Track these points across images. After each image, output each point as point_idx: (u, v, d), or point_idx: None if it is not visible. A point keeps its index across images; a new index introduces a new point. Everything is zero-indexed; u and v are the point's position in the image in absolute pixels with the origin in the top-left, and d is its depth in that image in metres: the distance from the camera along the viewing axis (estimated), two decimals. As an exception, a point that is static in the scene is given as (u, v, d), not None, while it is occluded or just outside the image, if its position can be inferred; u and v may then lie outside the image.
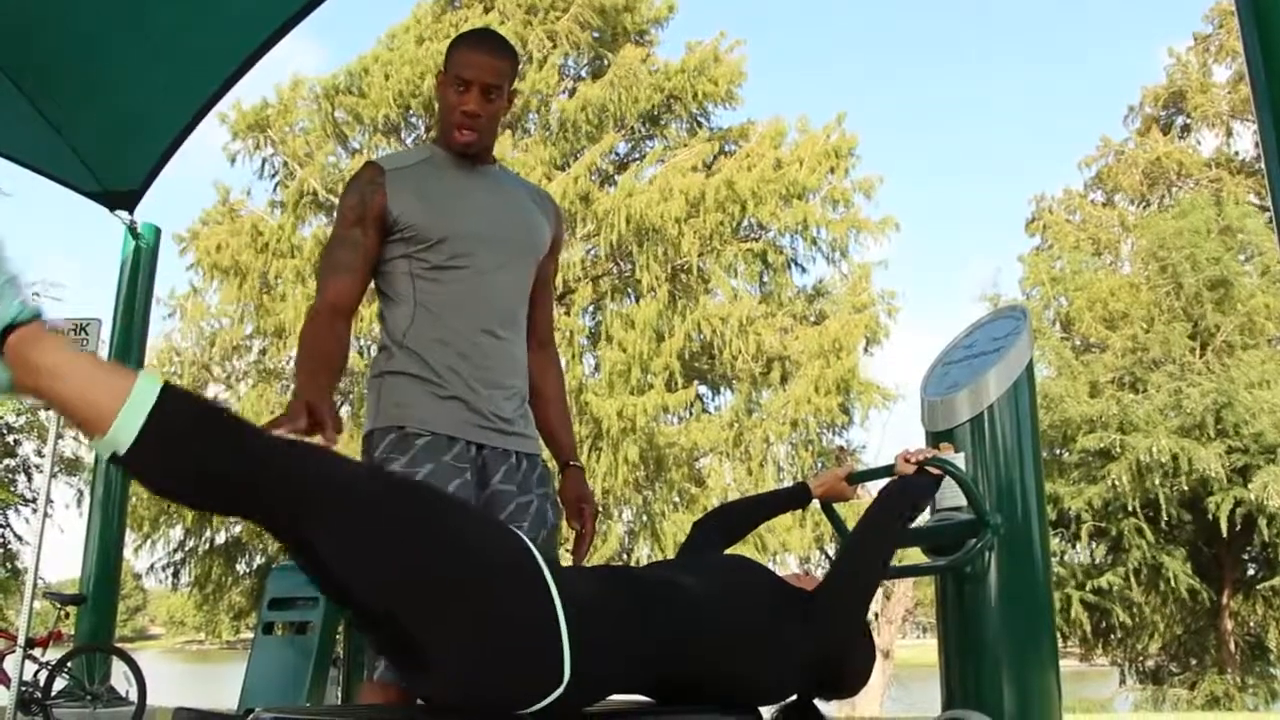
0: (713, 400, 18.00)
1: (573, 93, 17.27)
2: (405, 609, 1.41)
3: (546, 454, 2.48)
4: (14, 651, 6.21)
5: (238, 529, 17.66)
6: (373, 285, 2.37)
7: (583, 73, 18.04)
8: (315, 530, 1.38)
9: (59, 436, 6.83)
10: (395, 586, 1.40)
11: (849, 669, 1.96)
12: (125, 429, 1.28)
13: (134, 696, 6.36)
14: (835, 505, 2.69)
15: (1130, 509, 15.95)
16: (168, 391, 1.32)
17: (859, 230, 17.34)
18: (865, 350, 16.90)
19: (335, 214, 2.34)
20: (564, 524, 2.45)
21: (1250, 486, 15.26)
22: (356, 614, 1.54)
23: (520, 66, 2.36)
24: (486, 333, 2.28)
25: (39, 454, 18.73)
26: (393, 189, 2.26)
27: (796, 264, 17.69)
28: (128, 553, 15.20)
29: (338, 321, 2.23)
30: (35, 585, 6.24)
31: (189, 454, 1.32)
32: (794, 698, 1.92)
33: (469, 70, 2.27)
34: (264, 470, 1.36)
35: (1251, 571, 17.62)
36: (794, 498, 2.52)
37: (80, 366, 1.32)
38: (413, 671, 1.50)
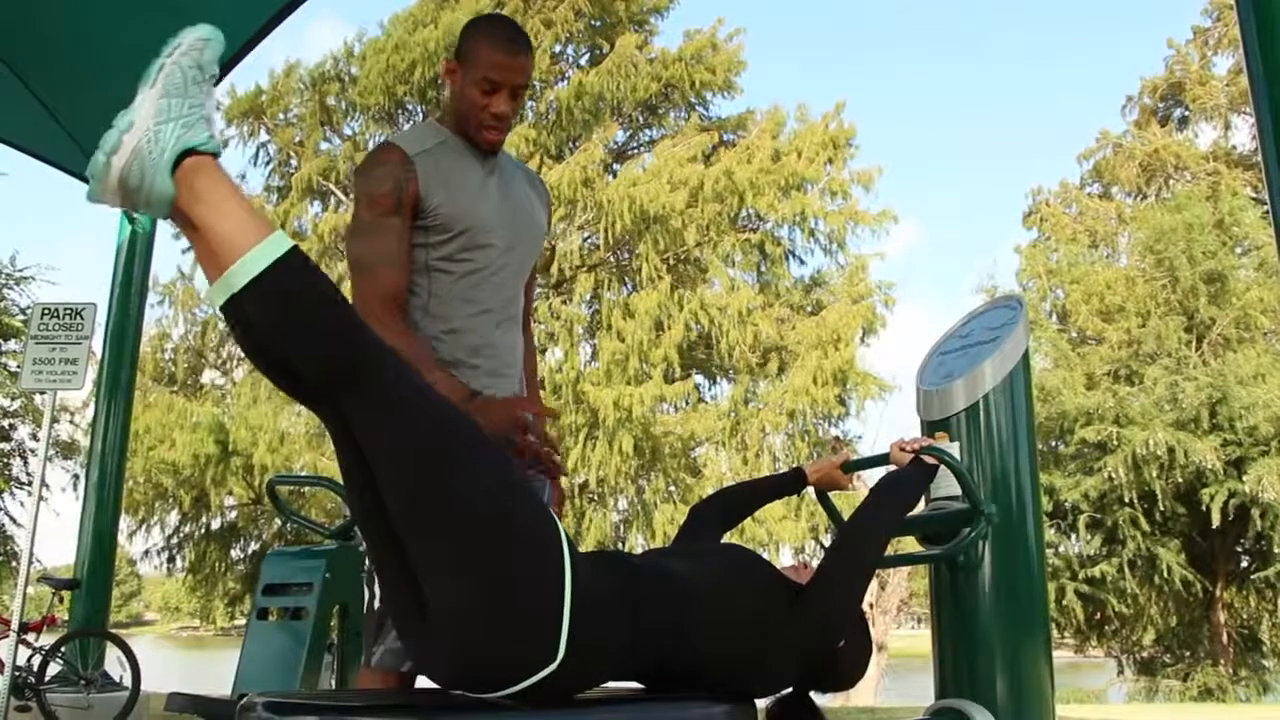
0: (709, 390, 18.01)
1: (569, 80, 17.22)
2: (426, 543, 1.44)
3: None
4: (7, 636, 6.21)
5: (233, 514, 17.66)
6: None
7: (581, 60, 17.99)
8: (380, 429, 1.43)
9: (54, 420, 6.82)
10: (428, 514, 1.43)
11: (845, 661, 1.96)
12: (244, 271, 1.35)
13: (128, 682, 6.36)
14: (830, 494, 2.69)
15: (1127, 500, 15.99)
16: (295, 252, 1.38)
17: (857, 222, 17.33)
18: (862, 341, 16.92)
19: (363, 197, 2.22)
20: None
21: (1244, 479, 15.32)
22: (376, 541, 1.56)
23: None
24: (494, 323, 2.28)
25: (34, 437, 18.70)
26: (423, 176, 2.20)
27: (794, 255, 17.70)
28: (122, 538, 15.20)
29: (401, 318, 2.17)
30: (29, 569, 6.23)
31: (293, 314, 1.38)
32: (790, 690, 1.92)
33: (498, 73, 2.21)
34: (357, 354, 1.40)
35: (1244, 564, 17.69)
36: (790, 483, 2.52)
37: (234, 205, 1.40)
38: (410, 619, 1.52)
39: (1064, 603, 16.28)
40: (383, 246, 2.17)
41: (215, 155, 1.43)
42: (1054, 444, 17.07)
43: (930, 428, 2.55)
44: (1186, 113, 22.25)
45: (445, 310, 2.24)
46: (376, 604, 2.10)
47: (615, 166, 17.82)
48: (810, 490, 2.58)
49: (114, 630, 7.75)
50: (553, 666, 1.45)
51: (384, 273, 2.15)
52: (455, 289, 2.25)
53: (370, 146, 17.29)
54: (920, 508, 2.53)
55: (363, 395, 1.41)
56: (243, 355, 18.77)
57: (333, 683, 5.18)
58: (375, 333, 1.47)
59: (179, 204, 1.40)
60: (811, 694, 1.96)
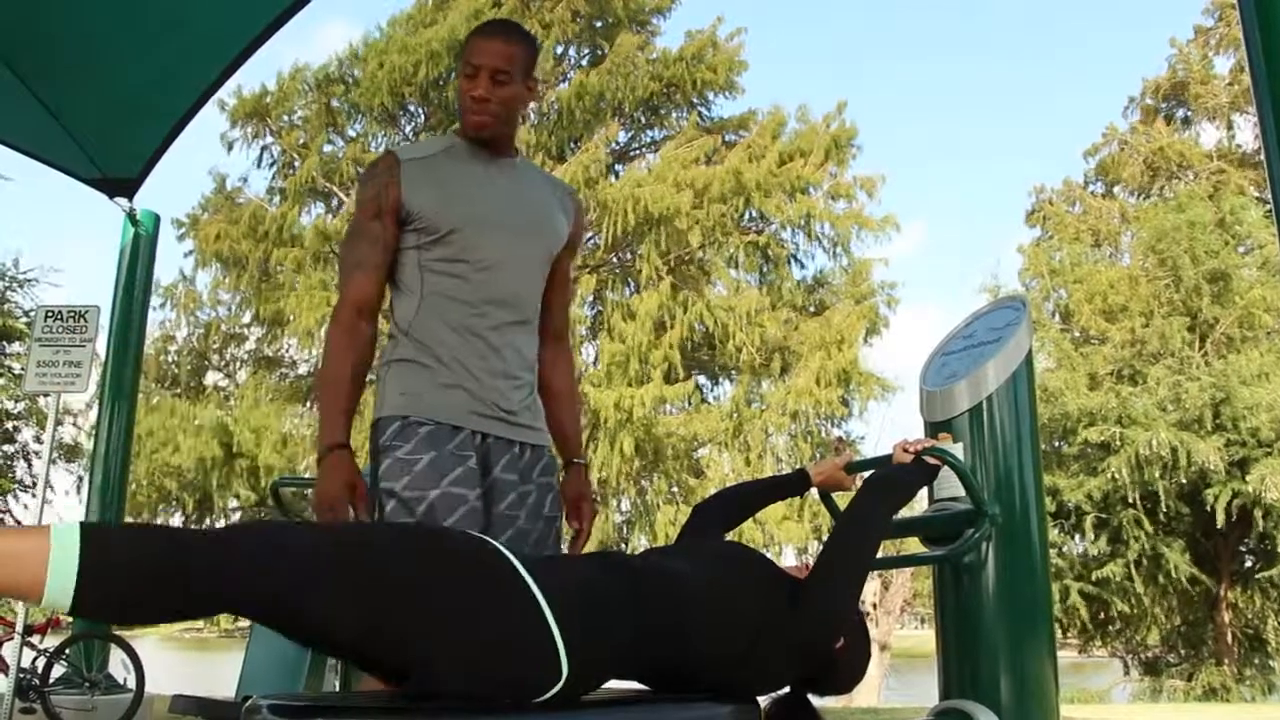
0: (712, 391, 18.00)
1: (570, 80, 17.23)
2: (393, 647, 1.42)
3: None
4: (12, 638, 6.21)
5: (237, 513, 17.66)
6: None
7: (582, 61, 17.99)
8: (286, 603, 1.38)
9: (58, 423, 6.82)
10: (378, 630, 1.40)
11: (844, 664, 1.95)
12: (59, 589, 1.26)
13: (132, 684, 6.36)
14: (833, 494, 2.69)
15: (1130, 501, 15.97)
16: (88, 536, 1.29)
17: (861, 227, 17.35)
18: (865, 341, 16.93)
19: (356, 204, 2.36)
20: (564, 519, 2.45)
21: (1248, 479, 15.30)
22: (350, 658, 1.54)
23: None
24: (492, 323, 2.29)
25: (38, 440, 18.72)
26: (407, 180, 2.28)
27: (796, 259, 17.71)
28: (126, 540, 15.15)
29: (361, 322, 2.26)
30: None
31: (137, 581, 1.31)
32: (788, 690, 1.92)
33: (476, 55, 2.30)
34: (219, 566, 1.34)
35: (1249, 563, 17.67)
36: (794, 484, 2.52)
37: None
38: (395, 676, 1.51)
39: (1068, 603, 16.27)
40: (359, 252, 2.29)
41: None
42: (1057, 444, 17.04)
43: (934, 428, 2.55)
44: (1189, 113, 22.23)
45: (440, 308, 2.26)
46: None
47: (618, 168, 17.82)
48: (814, 491, 2.58)
49: (117, 632, 7.75)
50: (560, 684, 1.45)
51: (356, 279, 2.27)
52: (449, 288, 2.27)
53: (373, 148, 17.39)
54: (924, 508, 2.53)
55: (229, 588, 1.36)
56: (245, 358, 18.80)
57: (336, 685, 5.17)
58: (192, 536, 1.41)
59: None
60: (810, 695, 1.96)
